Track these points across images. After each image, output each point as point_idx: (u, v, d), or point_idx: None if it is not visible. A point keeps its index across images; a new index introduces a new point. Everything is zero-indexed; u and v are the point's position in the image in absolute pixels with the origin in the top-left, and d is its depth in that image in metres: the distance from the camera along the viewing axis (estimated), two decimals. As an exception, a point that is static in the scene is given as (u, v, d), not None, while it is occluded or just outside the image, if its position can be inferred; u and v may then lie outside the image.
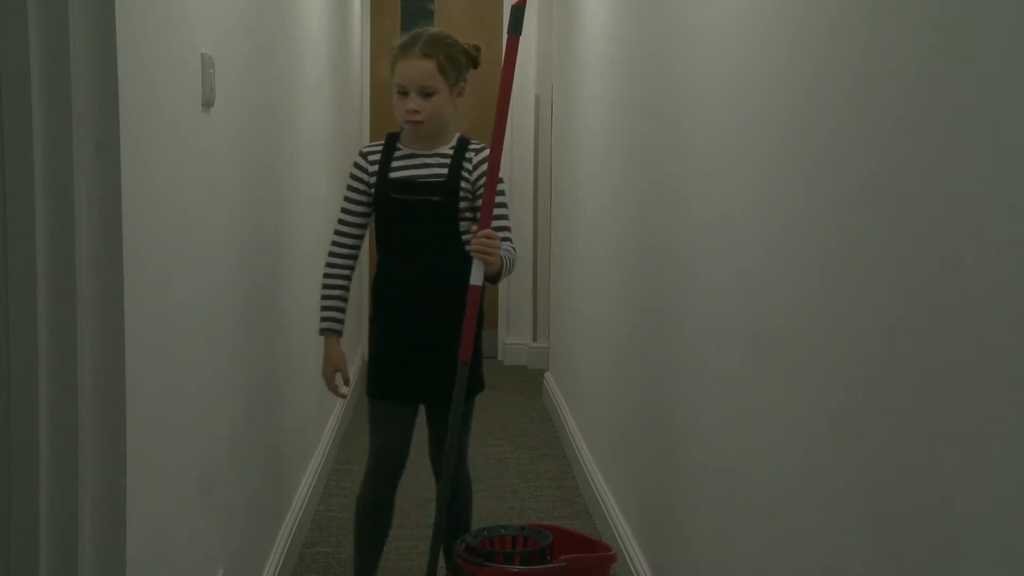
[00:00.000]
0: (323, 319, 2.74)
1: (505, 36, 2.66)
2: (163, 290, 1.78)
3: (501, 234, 2.61)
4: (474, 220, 2.64)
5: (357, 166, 2.73)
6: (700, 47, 2.37)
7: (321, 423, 4.23)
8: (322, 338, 2.76)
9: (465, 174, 2.65)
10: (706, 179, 2.31)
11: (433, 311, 2.67)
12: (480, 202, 2.62)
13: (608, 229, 3.70)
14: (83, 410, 1.52)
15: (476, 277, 2.56)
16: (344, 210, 2.74)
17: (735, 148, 2.08)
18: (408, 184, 2.65)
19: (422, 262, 2.67)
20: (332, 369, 2.75)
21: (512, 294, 6.57)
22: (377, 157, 2.70)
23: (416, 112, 2.60)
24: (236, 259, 2.43)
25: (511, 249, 2.66)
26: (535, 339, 6.50)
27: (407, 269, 2.68)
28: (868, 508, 1.42)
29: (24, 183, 1.48)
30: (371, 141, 6.65)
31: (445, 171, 2.65)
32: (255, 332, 2.70)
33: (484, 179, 2.60)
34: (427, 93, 2.61)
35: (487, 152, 2.65)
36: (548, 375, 5.60)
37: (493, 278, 2.60)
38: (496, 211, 2.59)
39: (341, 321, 2.75)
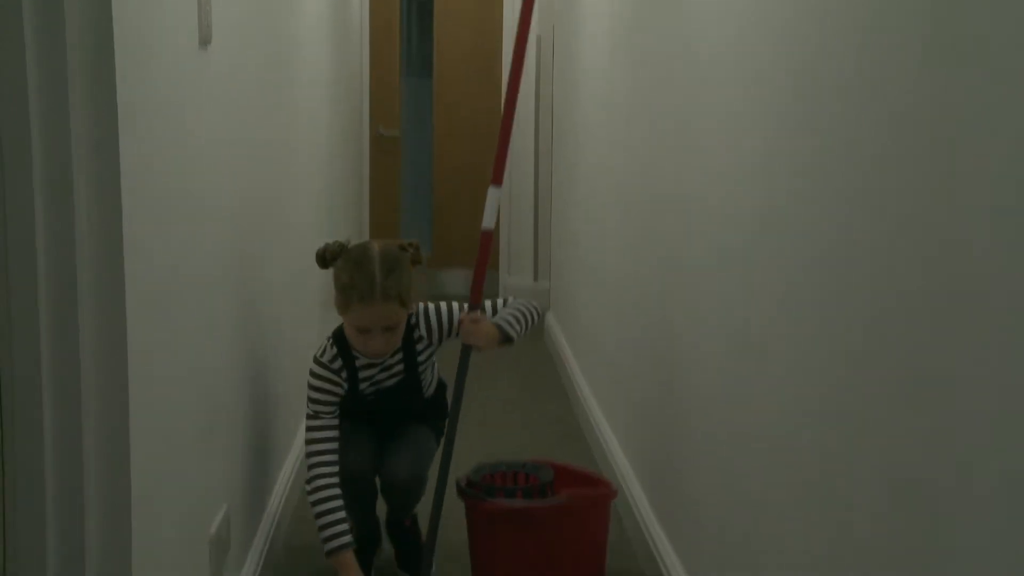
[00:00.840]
0: (330, 537, 2.53)
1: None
2: (162, 231, 1.78)
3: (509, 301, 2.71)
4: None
5: (327, 379, 2.62)
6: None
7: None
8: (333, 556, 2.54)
9: (421, 358, 2.70)
10: (709, 118, 2.30)
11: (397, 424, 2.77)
12: (437, 336, 2.68)
13: (609, 169, 3.69)
14: (84, 348, 1.52)
15: (489, 219, 2.57)
16: (318, 415, 2.61)
17: (740, 88, 2.07)
18: (377, 395, 2.70)
19: (387, 411, 2.75)
20: None
21: (513, 234, 6.57)
22: (344, 372, 2.64)
23: (379, 349, 2.58)
24: (235, 194, 2.42)
25: (525, 308, 2.68)
26: (536, 279, 6.51)
27: (371, 414, 2.73)
28: (872, 437, 1.43)
29: (20, 125, 1.47)
30: (369, 80, 6.62)
31: (402, 367, 2.68)
32: (257, 267, 2.70)
33: (439, 328, 2.66)
34: (390, 327, 2.55)
35: (429, 316, 2.67)
36: (549, 315, 5.61)
37: (507, 339, 2.61)
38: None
39: (350, 531, 2.57)
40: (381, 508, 2.84)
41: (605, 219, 3.78)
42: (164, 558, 1.80)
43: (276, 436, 3.05)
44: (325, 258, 2.58)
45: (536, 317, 2.70)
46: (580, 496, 2.65)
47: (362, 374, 2.65)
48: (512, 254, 6.59)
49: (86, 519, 1.54)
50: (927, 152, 1.25)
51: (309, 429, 2.62)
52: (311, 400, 2.63)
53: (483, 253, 2.58)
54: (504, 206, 6.53)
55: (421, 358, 2.70)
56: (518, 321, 2.64)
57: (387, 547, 2.90)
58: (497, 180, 2.57)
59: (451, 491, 2.75)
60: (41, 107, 1.48)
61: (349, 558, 2.54)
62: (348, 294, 2.51)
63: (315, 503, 2.56)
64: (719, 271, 2.19)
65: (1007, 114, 1.08)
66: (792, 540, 1.73)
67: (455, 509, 2.89)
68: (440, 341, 2.70)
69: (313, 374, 2.64)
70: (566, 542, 2.61)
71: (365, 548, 2.80)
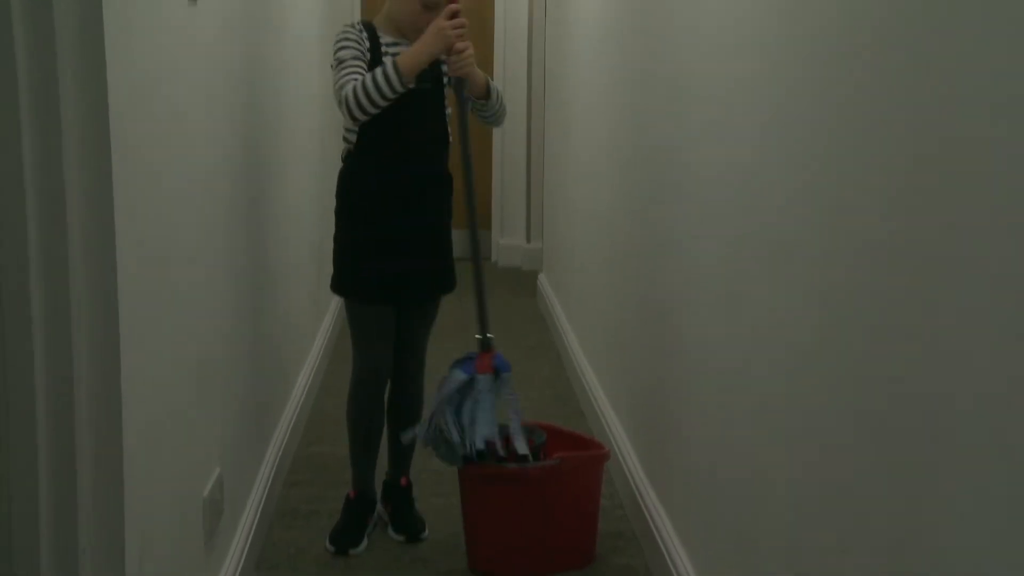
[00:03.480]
0: (386, 64, 2.51)
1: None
2: (154, 186, 1.76)
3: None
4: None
5: (351, 37, 2.59)
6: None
7: (316, 320, 4.24)
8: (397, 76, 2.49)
9: (443, 56, 2.64)
10: (700, 73, 2.27)
11: (429, 194, 2.71)
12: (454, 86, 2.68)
13: (602, 126, 3.66)
14: (75, 308, 1.50)
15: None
16: (347, 66, 2.53)
17: (731, 41, 2.05)
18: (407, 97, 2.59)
19: (416, 149, 2.66)
20: (440, 26, 2.53)
21: (506, 194, 6.54)
22: (366, 39, 2.62)
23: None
24: (226, 153, 2.40)
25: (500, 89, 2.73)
26: (529, 240, 6.49)
27: (401, 156, 2.65)
28: (860, 399, 1.43)
29: (7, 81, 1.45)
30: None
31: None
32: (248, 226, 2.68)
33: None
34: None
35: None
36: (542, 276, 5.60)
37: (484, 94, 2.65)
38: None
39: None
40: (379, 476, 2.84)
41: (598, 180, 3.76)
42: (157, 521, 1.79)
43: (270, 400, 3.04)
44: None
45: (504, 106, 2.75)
46: (573, 458, 2.65)
47: (386, 49, 2.61)
48: (505, 214, 6.56)
49: (79, 486, 1.53)
50: (918, 91, 1.24)
51: (347, 73, 2.53)
52: (337, 53, 2.56)
53: None
54: (496, 167, 6.50)
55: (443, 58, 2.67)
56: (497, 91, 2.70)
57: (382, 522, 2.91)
58: None
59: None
60: (28, 59, 1.45)
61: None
62: None
63: (361, 83, 2.50)
64: (711, 229, 2.18)
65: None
66: (782, 498, 1.73)
67: (448, 473, 2.89)
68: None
69: (336, 36, 2.61)
70: (559, 504, 2.62)
71: (364, 511, 2.81)
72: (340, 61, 2.56)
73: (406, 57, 2.52)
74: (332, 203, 2.77)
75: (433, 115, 2.69)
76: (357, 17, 6.46)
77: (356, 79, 2.52)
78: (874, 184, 1.39)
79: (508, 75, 6.32)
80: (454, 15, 2.56)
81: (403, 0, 2.60)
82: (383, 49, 2.62)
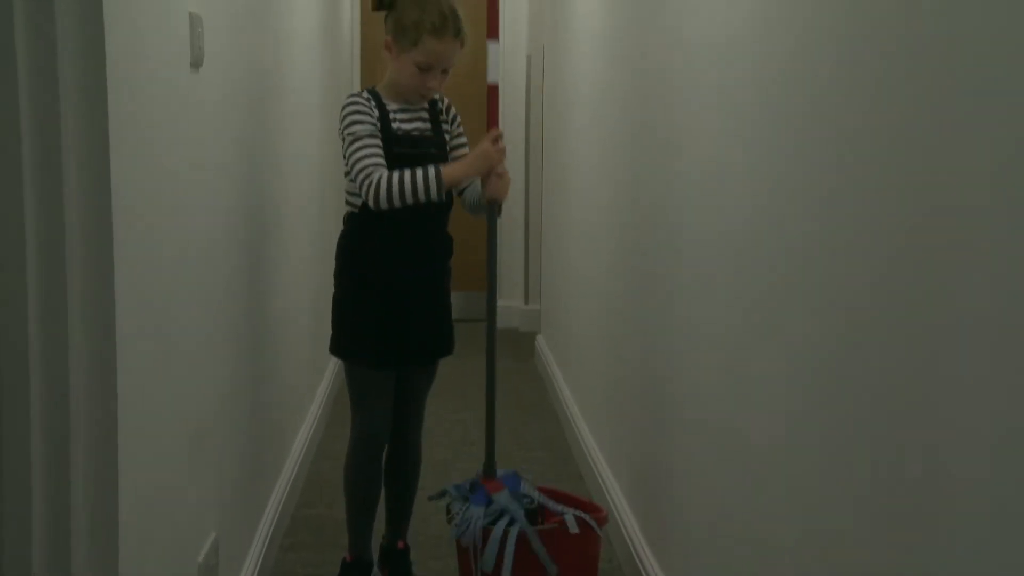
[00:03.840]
0: (429, 172, 2.55)
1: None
2: (153, 251, 1.77)
3: None
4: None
5: (363, 110, 2.61)
6: (693, 4, 2.35)
7: (314, 384, 4.23)
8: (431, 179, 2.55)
9: (445, 126, 2.75)
10: (697, 139, 2.30)
11: (431, 256, 2.75)
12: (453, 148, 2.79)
13: (600, 190, 3.69)
14: (74, 373, 1.51)
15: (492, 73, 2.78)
16: (368, 145, 2.57)
17: (726, 106, 2.07)
18: (413, 139, 2.66)
19: (419, 211, 2.65)
20: (486, 150, 2.64)
21: (504, 256, 6.56)
22: (374, 107, 2.65)
23: (436, 89, 2.67)
24: (227, 219, 2.41)
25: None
26: (527, 302, 6.50)
27: (404, 219, 2.64)
28: (860, 469, 1.43)
29: (11, 147, 1.46)
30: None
31: (429, 125, 2.71)
32: (246, 292, 2.69)
33: (457, 127, 2.79)
34: (446, 70, 2.64)
35: (448, 101, 2.82)
36: (540, 338, 5.60)
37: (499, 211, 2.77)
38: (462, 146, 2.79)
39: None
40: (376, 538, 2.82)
41: (596, 242, 3.78)
42: (152, 587, 1.77)
43: (267, 462, 3.03)
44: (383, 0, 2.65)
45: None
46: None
47: (395, 116, 2.66)
48: (503, 276, 6.58)
49: (73, 550, 1.52)
50: (911, 161, 1.25)
51: (365, 156, 2.56)
52: (350, 127, 2.59)
53: (492, 110, 2.77)
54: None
55: (445, 127, 2.76)
56: None
57: None
58: (493, 34, 2.74)
59: (440, 514, 2.74)
60: (33, 126, 1.46)
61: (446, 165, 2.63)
62: (419, 29, 2.58)
63: (399, 178, 2.54)
64: (708, 292, 2.19)
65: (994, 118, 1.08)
66: (782, 563, 1.72)
67: (446, 536, 2.87)
68: (450, 130, 2.79)
69: (346, 105, 2.63)
70: (557, 568, 2.59)
71: (361, 575, 2.79)
72: (356, 137, 2.59)
73: (450, 172, 2.60)
74: (331, 266, 2.79)
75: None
76: (357, 84, 6.55)
77: (381, 165, 2.56)
78: (872, 246, 1.40)
79: (506, 136, 6.37)
80: (497, 139, 2.65)
81: (401, 64, 2.64)
82: (391, 116, 2.65)
